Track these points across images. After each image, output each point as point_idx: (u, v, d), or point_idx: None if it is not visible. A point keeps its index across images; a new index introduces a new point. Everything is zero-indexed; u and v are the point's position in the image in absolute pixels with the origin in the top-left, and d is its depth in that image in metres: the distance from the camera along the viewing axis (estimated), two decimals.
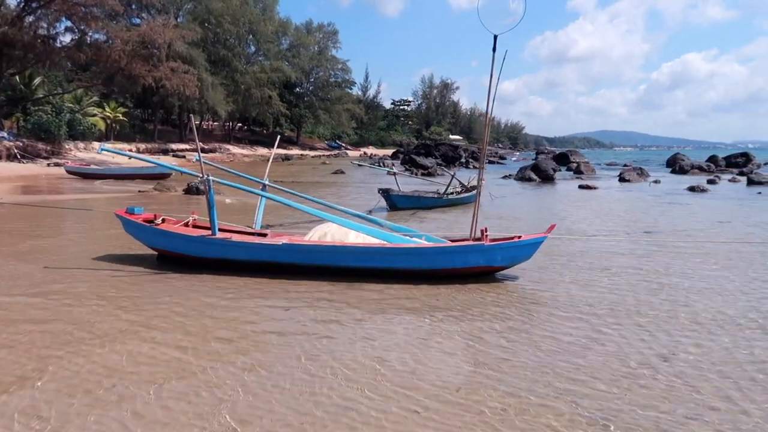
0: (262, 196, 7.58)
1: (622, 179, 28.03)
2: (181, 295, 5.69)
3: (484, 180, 18.09)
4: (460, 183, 16.39)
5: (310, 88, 78.95)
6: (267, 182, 8.23)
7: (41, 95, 37.39)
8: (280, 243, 6.51)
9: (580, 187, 22.81)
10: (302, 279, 6.34)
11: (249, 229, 7.84)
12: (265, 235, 7.61)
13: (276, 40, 67.43)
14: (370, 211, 13.38)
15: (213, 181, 6.62)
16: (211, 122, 72.66)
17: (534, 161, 35.37)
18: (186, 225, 7.67)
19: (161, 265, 6.98)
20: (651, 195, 19.52)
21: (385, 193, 13.68)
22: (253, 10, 58.43)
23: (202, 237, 6.73)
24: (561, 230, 10.06)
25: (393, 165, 39.54)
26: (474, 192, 16.21)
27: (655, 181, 26.23)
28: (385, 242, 6.52)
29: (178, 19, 51.56)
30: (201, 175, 6.56)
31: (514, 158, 70.90)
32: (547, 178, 27.58)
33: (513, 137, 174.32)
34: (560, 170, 32.40)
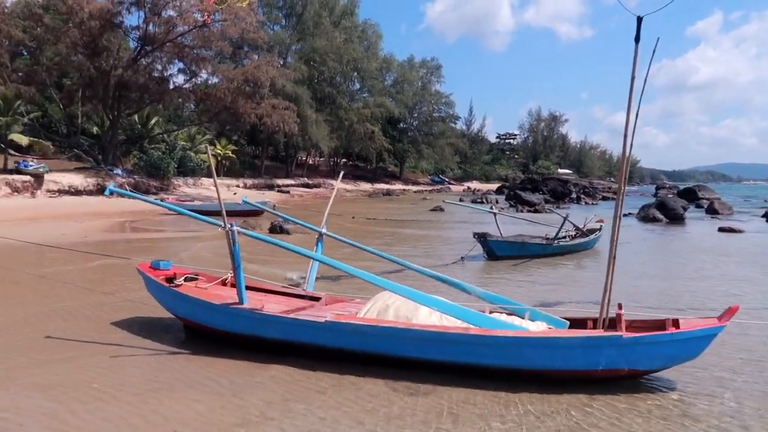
0: (310, 257, 5.80)
1: None
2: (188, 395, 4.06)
3: (603, 222, 15.49)
4: (574, 226, 13.87)
5: (414, 123, 78.51)
6: (324, 231, 6.53)
7: (156, 133, 39.38)
8: (322, 320, 4.72)
9: (721, 230, 19.16)
10: (357, 372, 4.51)
11: (300, 292, 6.16)
12: (318, 299, 5.89)
13: (380, 77, 67.79)
14: (462, 258, 11.37)
15: (240, 233, 5.02)
16: (317, 158, 74.20)
17: (656, 198, 31.45)
18: (223, 284, 6.15)
19: (187, 342, 5.43)
20: None
21: (482, 238, 11.57)
22: (357, 48, 59.04)
23: (225, 306, 5.12)
24: (721, 302, 7.46)
25: (497, 201, 37.11)
26: (593, 237, 13.65)
27: None
28: (468, 325, 4.52)
29: (287, 59, 53.14)
30: (223, 225, 4.98)
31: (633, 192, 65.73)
32: (675, 218, 23.89)
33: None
34: (689, 208, 28.34)
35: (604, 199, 46.41)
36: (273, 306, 5.43)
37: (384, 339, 4.56)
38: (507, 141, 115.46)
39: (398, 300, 4.95)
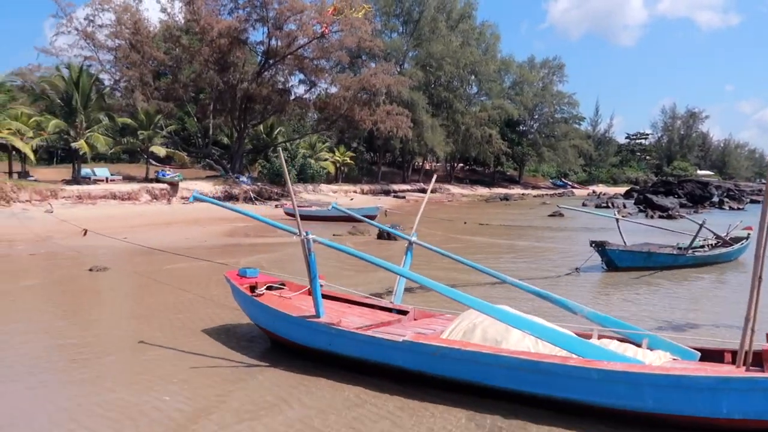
0: (389, 270, 5.29)
1: None
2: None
3: (752, 229, 13.46)
4: (714, 234, 12.17)
5: (534, 125, 75.63)
6: (413, 239, 6.08)
7: (280, 142, 41.39)
8: (400, 340, 4.27)
9: None
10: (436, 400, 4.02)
11: (388, 304, 5.76)
12: (405, 313, 5.47)
13: (498, 79, 66.09)
14: (577, 269, 10.35)
15: (315, 241, 4.73)
16: (434, 163, 74.08)
17: None
18: (309, 293, 5.92)
19: (270, 354, 5.21)
20: None
21: (600, 247, 10.45)
22: (475, 51, 57.97)
23: (300, 318, 4.85)
24: None
25: (624, 205, 34.34)
26: (738, 246, 11.92)
27: None
28: (569, 354, 3.84)
29: (403, 66, 53.51)
30: (297, 233, 4.72)
31: None
32: None
33: None
34: None
35: (753, 202, 41.34)
36: (354, 320, 5.09)
37: (467, 365, 4.02)
38: (638, 141, 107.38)
39: (487, 319, 4.37)
